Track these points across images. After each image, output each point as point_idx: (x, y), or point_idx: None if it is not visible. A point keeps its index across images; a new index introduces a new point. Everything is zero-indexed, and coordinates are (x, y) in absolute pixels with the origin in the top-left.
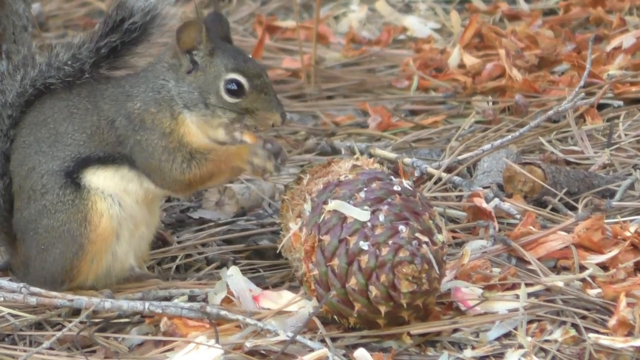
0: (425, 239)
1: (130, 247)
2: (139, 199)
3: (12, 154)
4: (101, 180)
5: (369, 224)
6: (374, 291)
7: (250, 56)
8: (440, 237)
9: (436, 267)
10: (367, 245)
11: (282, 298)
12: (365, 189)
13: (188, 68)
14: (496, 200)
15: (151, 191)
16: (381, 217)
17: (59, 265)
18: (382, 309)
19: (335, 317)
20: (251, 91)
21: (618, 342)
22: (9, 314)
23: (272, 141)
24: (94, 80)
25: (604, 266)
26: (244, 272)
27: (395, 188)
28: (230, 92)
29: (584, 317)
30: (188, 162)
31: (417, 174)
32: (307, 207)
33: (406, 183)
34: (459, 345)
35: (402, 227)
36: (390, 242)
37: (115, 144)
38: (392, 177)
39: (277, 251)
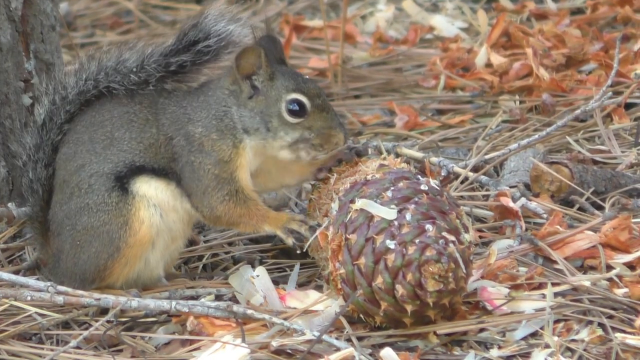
0: (452, 238)
1: (162, 257)
2: (184, 219)
3: (62, 147)
4: (152, 190)
5: (395, 222)
6: (400, 290)
7: (308, 77)
8: (467, 237)
9: (463, 266)
10: (393, 244)
11: (308, 297)
12: (392, 188)
13: (249, 94)
14: (523, 200)
15: (187, 211)
16: (408, 216)
17: (92, 264)
18: (409, 308)
19: (361, 316)
20: (313, 110)
21: None
22: (36, 312)
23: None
24: (157, 91)
25: (631, 266)
26: (270, 271)
27: (422, 187)
28: (292, 112)
29: (610, 317)
30: (231, 195)
31: (443, 173)
32: (334, 206)
33: (433, 182)
34: (486, 345)
35: (428, 226)
36: (417, 241)
37: (170, 159)
38: (419, 176)
39: (304, 250)
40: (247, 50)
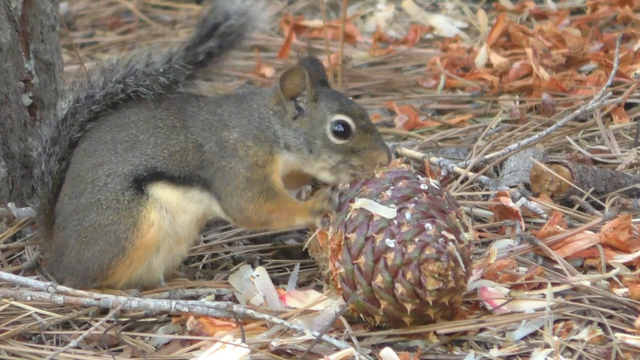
0: (452, 236)
1: (164, 262)
2: (194, 219)
3: (82, 142)
4: (166, 195)
5: (395, 221)
6: (400, 289)
7: (351, 99)
8: (466, 236)
9: (462, 265)
10: (393, 243)
11: (308, 297)
12: (391, 187)
13: (294, 114)
14: (523, 200)
15: (216, 214)
16: (407, 215)
17: (95, 262)
18: (408, 307)
19: (361, 315)
20: (357, 131)
21: None
22: (36, 312)
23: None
24: (184, 98)
25: (630, 265)
26: (270, 271)
27: (422, 187)
28: (337, 133)
29: (610, 317)
30: (261, 193)
31: (443, 173)
32: None
33: (433, 182)
34: (486, 345)
35: (428, 225)
36: (416, 239)
37: (196, 166)
38: (418, 176)
39: (304, 249)
40: (292, 72)
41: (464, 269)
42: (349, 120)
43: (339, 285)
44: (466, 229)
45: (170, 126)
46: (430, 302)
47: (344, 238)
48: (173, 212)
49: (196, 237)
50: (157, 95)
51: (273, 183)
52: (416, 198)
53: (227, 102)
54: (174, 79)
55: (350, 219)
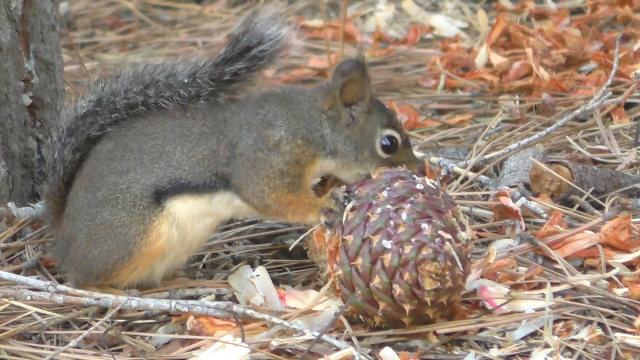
0: (449, 236)
1: (166, 269)
2: (216, 221)
3: (107, 142)
4: (187, 207)
5: (391, 222)
6: (397, 290)
7: (389, 107)
8: (463, 235)
9: (460, 264)
10: (390, 244)
11: (308, 297)
12: (388, 188)
13: (347, 122)
14: (523, 200)
15: (236, 206)
16: (404, 216)
17: (101, 261)
18: (407, 307)
19: (361, 316)
20: (401, 146)
21: None
22: (36, 312)
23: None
24: (217, 106)
25: (630, 265)
26: (270, 271)
27: (418, 187)
28: (385, 148)
29: (610, 317)
30: (287, 185)
31: (443, 173)
32: None
33: (429, 182)
34: (485, 345)
35: (424, 225)
36: (413, 240)
37: (223, 164)
38: (415, 176)
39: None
40: (355, 80)
41: (461, 268)
42: (396, 135)
43: (338, 287)
44: (463, 228)
45: (198, 133)
46: (429, 302)
47: (341, 240)
48: (188, 225)
49: (205, 241)
50: (179, 105)
51: (304, 180)
52: (412, 198)
53: (268, 103)
54: (196, 93)
55: (347, 220)
